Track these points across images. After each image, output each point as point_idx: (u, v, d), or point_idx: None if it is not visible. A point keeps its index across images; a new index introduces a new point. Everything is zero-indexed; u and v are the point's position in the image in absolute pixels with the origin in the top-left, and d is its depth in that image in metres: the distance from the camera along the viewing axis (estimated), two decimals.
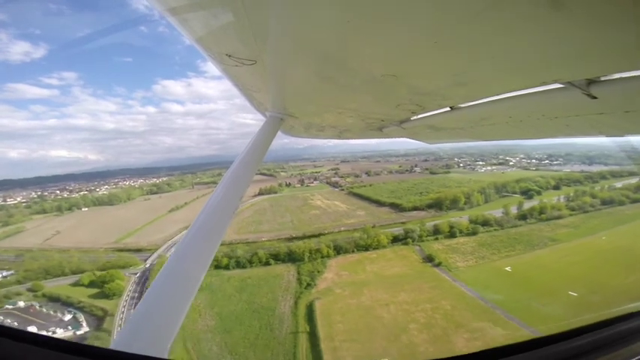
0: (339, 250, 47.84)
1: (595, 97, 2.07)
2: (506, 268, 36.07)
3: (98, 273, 47.85)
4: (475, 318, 27.29)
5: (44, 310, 42.41)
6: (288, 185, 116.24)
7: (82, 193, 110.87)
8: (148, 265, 52.21)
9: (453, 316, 28.12)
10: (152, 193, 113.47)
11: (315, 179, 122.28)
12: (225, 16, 1.75)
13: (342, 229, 62.93)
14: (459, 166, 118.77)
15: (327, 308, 32.39)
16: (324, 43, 1.89)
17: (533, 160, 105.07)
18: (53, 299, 44.65)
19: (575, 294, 28.09)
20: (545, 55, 1.63)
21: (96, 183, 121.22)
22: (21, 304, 43.99)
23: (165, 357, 1.92)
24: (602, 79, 1.97)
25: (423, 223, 53.79)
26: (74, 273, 50.67)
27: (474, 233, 49.17)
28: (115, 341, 1.83)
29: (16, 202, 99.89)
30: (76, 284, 47.25)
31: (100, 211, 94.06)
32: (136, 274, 49.77)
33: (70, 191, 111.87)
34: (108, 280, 44.27)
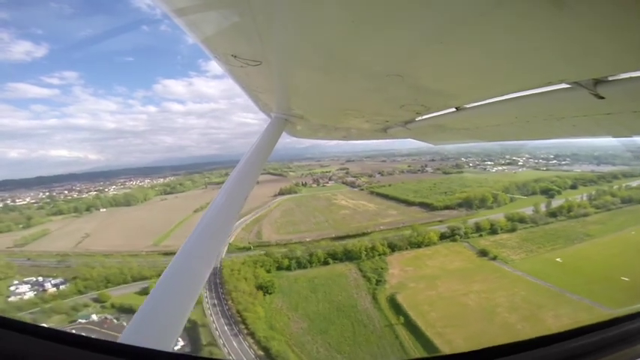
0: (393, 248, 53.36)
1: (602, 97, 2.13)
2: (557, 259, 42.83)
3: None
4: (551, 299, 33.51)
5: (124, 323, 41.60)
6: (304, 185, 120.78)
7: (91, 193, 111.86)
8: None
9: (531, 299, 34.28)
10: (166, 193, 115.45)
11: (330, 179, 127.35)
12: (232, 17, 1.87)
13: (382, 227, 68.66)
14: (468, 166, 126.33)
15: (410, 300, 37.77)
16: (329, 44, 1.99)
17: (541, 160, 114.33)
18: (125, 310, 44.36)
19: (627, 279, 34.90)
20: (551, 55, 1.72)
21: (101, 183, 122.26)
22: (94, 317, 43.77)
23: (171, 351, 2.03)
24: (610, 79, 2.03)
25: (465, 220, 60.22)
26: (135, 280, 51.94)
27: (513, 230, 56.06)
28: (122, 335, 1.99)
29: (25, 202, 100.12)
30: (143, 292, 47.65)
31: (119, 212, 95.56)
32: None
33: (79, 191, 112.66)
34: None
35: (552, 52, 1.64)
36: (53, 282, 54.87)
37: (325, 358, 30.55)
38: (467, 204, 74.24)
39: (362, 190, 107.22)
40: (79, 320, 42.85)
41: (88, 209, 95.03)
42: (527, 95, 2.46)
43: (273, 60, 2.32)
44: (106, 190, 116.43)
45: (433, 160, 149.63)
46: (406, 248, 53.46)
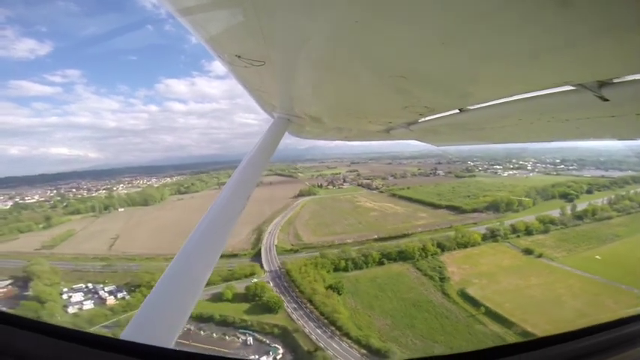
0: (442, 248, 60.00)
1: (607, 100, 2.18)
2: (596, 257, 50.85)
3: (235, 285, 50.32)
4: (605, 289, 40.89)
5: (214, 335, 42.36)
6: (320, 186, 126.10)
7: (100, 191, 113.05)
8: (267, 273, 57.17)
9: (588, 289, 41.60)
10: (180, 192, 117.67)
11: (344, 181, 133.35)
12: (236, 17, 1.95)
13: (420, 230, 75.29)
14: (478, 170, 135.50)
15: (481, 294, 44.21)
16: (332, 44, 2.07)
17: (549, 165, 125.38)
18: (205, 320, 45.03)
19: None
20: (556, 56, 1.76)
21: (106, 181, 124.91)
22: None
23: (172, 348, 2.12)
24: (615, 81, 2.08)
25: (502, 222, 67.94)
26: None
27: (546, 231, 64.16)
28: (124, 332, 2.07)
29: (34, 200, 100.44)
30: (215, 299, 48.62)
31: (139, 212, 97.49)
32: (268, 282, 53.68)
33: (88, 190, 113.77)
34: (256, 292, 47.18)
35: (557, 54, 1.74)
36: (107, 289, 56.00)
37: (425, 347, 36.20)
38: (493, 207, 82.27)
39: (381, 192, 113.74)
40: None
41: (106, 208, 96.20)
42: (531, 97, 2.60)
43: (276, 60, 2.46)
44: (115, 188, 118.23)
45: (440, 163, 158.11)
46: (454, 248, 60.11)
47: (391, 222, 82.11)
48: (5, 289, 57.25)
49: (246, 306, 46.35)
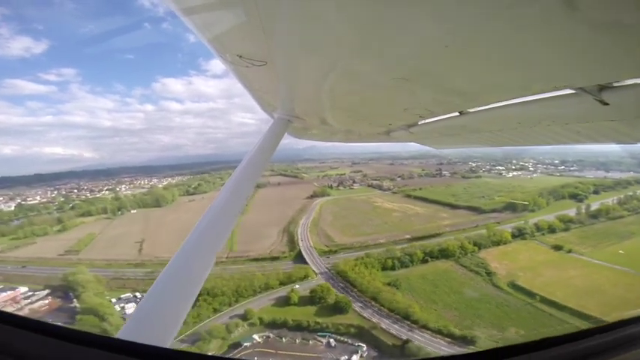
0: (478, 246, 66.92)
1: (607, 104, 2.29)
2: (620, 251, 59.42)
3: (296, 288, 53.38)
4: (638, 280, 49.05)
5: (296, 340, 44.07)
6: (331, 187, 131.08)
7: (103, 192, 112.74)
8: (318, 275, 60.98)
9: (622, 280, 49.39)
10: (189, 193, 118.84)
11: (354, 182, 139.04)
12: (238, 17, 2.04)
13: (448, 229, 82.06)
14: (482, 171, 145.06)
15: (530, 285, 50.77)
16: (333, 46, 2.15)
17: (550, 166, 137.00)
18: (278, 326, 46.89)
19: None
20: (555, 60, 1.84)
21: (105, 181, 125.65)
22: (256, 337, 45.04)
23: (169, 348, 2.18)
24: (615, 85, 2.18)
25: (527, 221, 76.02)
26: (264, 289, 55.36)
27: (567, 229, 72.70)
28: (121, 331, 2.16)
29: (36, 201, 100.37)
30: (281, 304, 51.76)
31: (154, 213, 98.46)
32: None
33: (91, 190, 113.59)
34: (322, 294, 50.06)
35: (557, 58, 1.81)
36: None
37: (500, 331, 42.25)
38: (511, 207, 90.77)
39: (394, 193, 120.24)
40: (245, 344, 43.90)
41: (118, 210, 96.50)
42: (530, 101, 2.71)
43: (277, 61, 2.56)
44: (117, 189, 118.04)
45: (442, 164, 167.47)
46: (489, 246, 67.11)
47: (416, 222, 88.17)
48: (47, 301, 56.76)
49: (313, 309, 49.72)
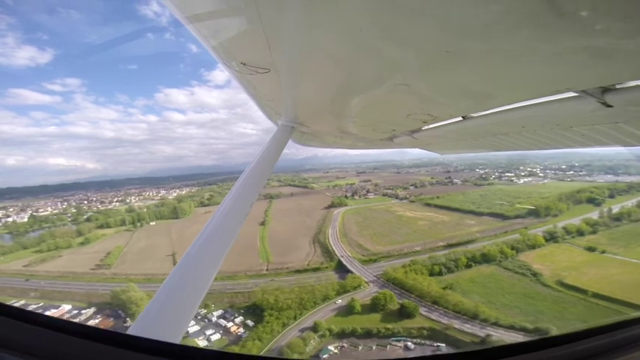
0: (516, 250, 72.83)
1: (610, 106, 2.37)
2: None
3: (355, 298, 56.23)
4: None
5: (373, 347, 46.26)
6: (346, 197, 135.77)
7: (114, 203, 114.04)
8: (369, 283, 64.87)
9: None
10: (203, 205, 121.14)
11: (368, 191, 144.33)
12: (242, 25, 2.15)
13: (479, 235, 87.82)
14: (492, 178, 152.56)
15: (578, 282, 56.68)
16: (336, 53, 2.26)
17: (559, 172, 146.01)
18: (347, 335, 49.40)
19: None
20: (557, 63, 1.90)
21: (114, 192, 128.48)
22: (331, 348, 47.10)
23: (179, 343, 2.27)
24: (618, 87, 2.25)
25: (556, 225, 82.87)
26: (325, 299, 58.25)
27: (595, 232, 79.82)
28: (131, 327, 2.32)
29: (48, 212, 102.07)
30: (344, 313, 54.56)
31: (174, 225, 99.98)
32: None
33: (101, 202, 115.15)
34: (384, 301, 54.02)
35: (558, 61, 1.87)
36: (216, 314, 57.86)
37: (565, 323, 47.32)
38: (534, 213, 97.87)
39: (412, 202, 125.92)
40: (324, 357, 45.88)
41: (139, 221, 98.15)
42: (534, 104, 2.82)
43: (281, 68, 2.66)
44: (127, 200, 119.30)
45: (449, 172, 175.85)
46: (525, 250, 73.09)
47: (445, 230, 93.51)
48: (97, 320, 57.21)
49: (377, 316, 53.05)
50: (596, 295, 52.52)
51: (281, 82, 3.08)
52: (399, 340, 47.53)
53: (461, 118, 3.84)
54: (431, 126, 4.41)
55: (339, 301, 57.62)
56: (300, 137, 6.96)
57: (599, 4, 1.38)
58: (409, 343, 46.77)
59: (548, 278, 60.28)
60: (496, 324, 47.95)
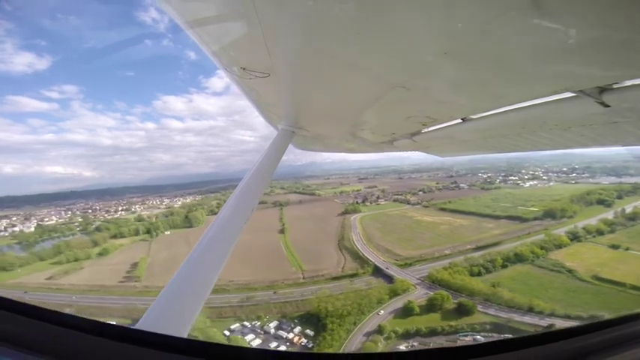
0: (546, 249, 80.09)
1: (608, 106, 2.49)
2: None
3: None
4: None
5: (443, 344, 47.37)
6: (357, 203, 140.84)
7: (119, 212, 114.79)
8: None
9: None
10: (214, 213, 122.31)
11: (378, 197, 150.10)
12: (241, 30, 2.26)
13: (503, 237, 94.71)
14: (497, 182, 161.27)
15: (612, 275, 63.62)
16: (334, 56, 2.38)
17: (562, 174, 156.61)
18: (412, 335, 53.20)
19: None
20: (553, 64, 2.00)
21: (115, 201, 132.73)
22: (402, 347, 49.56)
23: (186, 337, 2.52)
24: (615, 86, 2.36)
25: (576, 226, 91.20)
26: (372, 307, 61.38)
27: (613, 231, 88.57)
28: (140, 322, 2.49)
29: (53, 222, 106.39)
30: (402, 315, 58.21)
31: (191, 234, 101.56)
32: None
33: (106, 211, 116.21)
34: (439, 301, 58.67)
35: (554, 61, 1.96)
36: (272, 325, 58.98)
37: (615, 311, 53.39)
38: (549, 215, 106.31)
39: (425, 207, 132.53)
40: None
41: (155, 231, 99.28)
42: (532, 105, 2.98)
43: (280, 72, 2.81)
44: (132, 209, 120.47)
45: (452, 176, 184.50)
46: (552, 249, 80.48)
47: (467, 233, 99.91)
48: None
49: (436, 315, 57.59)
50: (633, 287, 59.69)
51: (281, 87, 3.27)
52: (466, 335, 52.00)
53: (460, 120, 4.04)
54: (430, 128, 4.63)
55: (381, 312, 60.73)
56: (300, 142, 7.23)
57: (592, 5, 1.46)
58: (477, 337, 51.29)
59: (583, 274, 67.13)
60: (553, 314, 53.88)
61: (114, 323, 1.32)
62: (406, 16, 1.70)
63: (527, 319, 54.30)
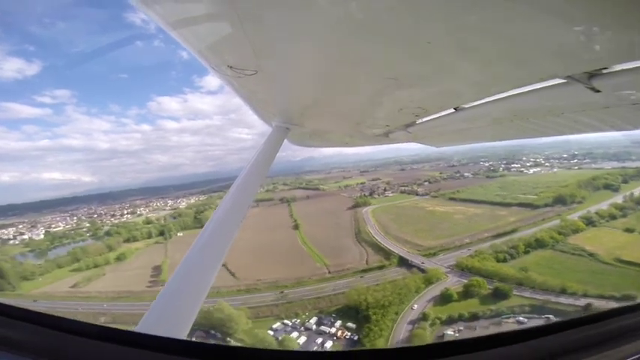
0: (563, 235, 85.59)
1: (598, 91, 2.57)
2: None
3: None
4: None
5: (490, 327, 53.33)
6: (365, 196, 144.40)
7: (125, 216, 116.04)
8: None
9: None
10: None
11: (385, 190, 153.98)
12: (222, 28, 2.29)
13: (519, 224, 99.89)
14: (501, 170, 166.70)
15: (634, 257, 69.27)
16: (319, 49, 2.44)
17: (564, 161, 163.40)
18: (455, 320, 57.26)
19: None
20: (539, 51, 2.04)
21: (119, 205, 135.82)
22: (450, 332, 53.87)
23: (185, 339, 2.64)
24: (604, 72, 2.41)
25: (589, 211, 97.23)
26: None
27: (625, 215, 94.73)
28: (138, 325, 2.59)
29: (60, 228, 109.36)
30: (441, 302, 62.36)
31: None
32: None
33: (112, 215, 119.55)
34: (475, 287, 63.15)
35: (540, 48, 2.01)
36: (312, 322, 61.20)
37: None
38: (560, 201, 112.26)
39: (435, 197, 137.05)
40: None
41: (168, 233, 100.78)
42: (522, 92, 3.06)
43: (268, 69, 2.86)
44: (137, 211, 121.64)
45: (454, 166, 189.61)
46: (569, 234, 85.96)
47: (482, 222, 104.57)
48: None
49: (474, 301, 61.60)
50: None
51: (270, 83, 3.42)
52: (509, 317, 56.15)
53: (453, 110, 4.20)
54: (424, 119, 4.79)
55: (415, 306, 63.42)
56: (296, 138, 7.54)
57: None
58: (519, 317, 55.60)
59: (605, 256, 72.38)
60: (586, 295, 58.83)
61: (113, 327, 1.41)
62: (389, 5, 1.77)
63: (563, 299, 58.98)
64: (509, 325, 54.20)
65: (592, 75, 2.47)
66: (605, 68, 2.43)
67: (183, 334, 2.74)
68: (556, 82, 2.76)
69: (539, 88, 2.93)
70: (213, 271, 3.42)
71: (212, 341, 55.48)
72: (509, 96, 3.24)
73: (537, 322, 53.92)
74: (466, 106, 3.93)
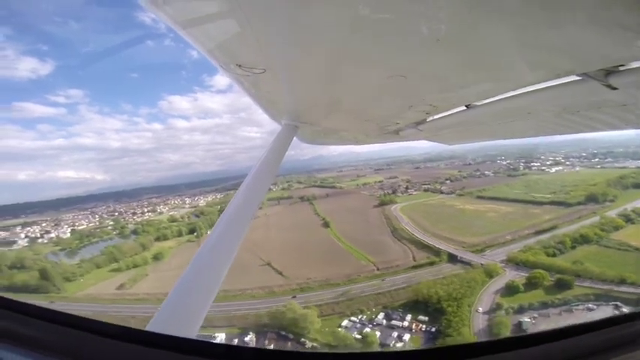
0: (605, 231, 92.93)
1: (615, 88, 2.65)
2: None
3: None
4: None
5: (561, 314, 59.29)
6: (387, 194, 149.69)
7: (146, 214, 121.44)
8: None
9: None
10: None
11: (407, 188, 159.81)
12: (231, 27, 2.40)
13: (558, 221, 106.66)
14: (522, 168, 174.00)
15: None
16: (327, 47, 2.52)
17: (585, 160, 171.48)
18: (536, 308, 62.79)
19: None
20: (555, 47, 2.09)
21: (137, 203, 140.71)
22: (526, 319, 59.20)
23: (195, 338, 2.79)
24: (621, 69, 2.49)
25: (626, 209, 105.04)
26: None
27: None
28: (149, 324, 2.71)
29: (84, 226, 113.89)
30: (508, 293, 67.82)
31: None
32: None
33: (133, 213, 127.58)
34: (538, 279, 69.35)
35: (555, 44, 2.05)
36: (381, 316, 65.67)
37: None
38: (592, 199, 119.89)
39: (461, 195, 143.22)
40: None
41: (199, 231, 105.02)
42: (537, 90, 3.18)
43: (276, 67, 2.99)
44: (157, 209, 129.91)
45: (470, 164, 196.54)
46: (611, 230, 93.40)
47: (518, 219, 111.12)
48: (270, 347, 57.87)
49: (539, 292, 67.37)
50: None
51: (279, 82, 3.51)
52: (578, 305, 62.12)
53: (464, 108, 4.36)
54: (435, 117, 5.02)
55: (480, 309, 66.70)
56: (306, 136, 7.91)
57: None
58: (590, 305, 61.61)
59: None
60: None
61: (127, 326, 1.44)
62: (398, 2, 1.84)
63: (624, 289, 65.69)
64: (580, 312, 60.30)
65: (609, 72, 2.63)
66: (622, 65, 2.59)
67: (193, 333, 2.90)
68: (571, 80, 2.93)
69: (554, 85, 3.10)
70: (223, 270, 3.59)
71: (288, 344, 60.34)
72: (522, 93, 3.44)
73: (605, 310, 60.39)
74: (478, 103, 4.15)
